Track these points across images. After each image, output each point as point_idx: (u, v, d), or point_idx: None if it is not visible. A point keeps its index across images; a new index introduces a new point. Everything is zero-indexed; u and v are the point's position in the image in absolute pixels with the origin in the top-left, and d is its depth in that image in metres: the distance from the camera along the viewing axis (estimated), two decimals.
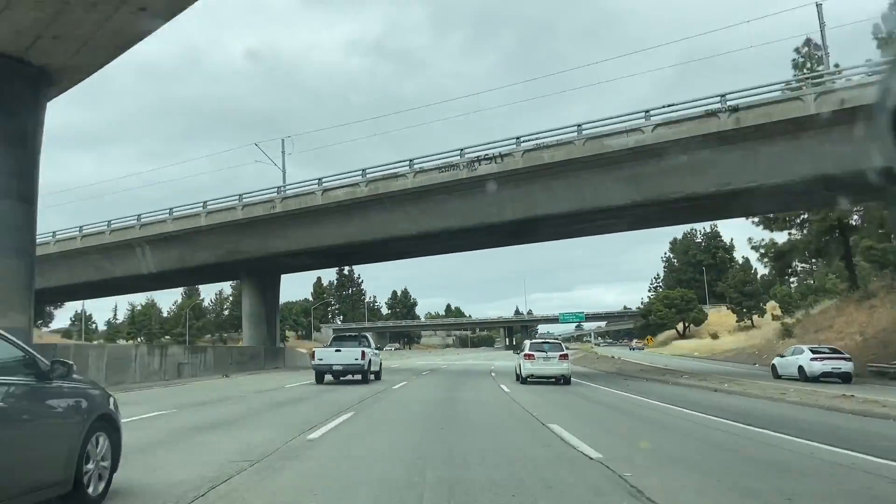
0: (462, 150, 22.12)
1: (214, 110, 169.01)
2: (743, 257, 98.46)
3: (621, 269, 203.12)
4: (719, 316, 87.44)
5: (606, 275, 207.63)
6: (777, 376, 22.52)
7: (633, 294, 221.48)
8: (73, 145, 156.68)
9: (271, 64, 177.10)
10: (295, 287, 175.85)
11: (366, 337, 20.57)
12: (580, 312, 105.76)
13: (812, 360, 21.80)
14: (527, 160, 20.86)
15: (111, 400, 3.94)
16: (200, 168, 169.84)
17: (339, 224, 24.54)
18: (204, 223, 27.43)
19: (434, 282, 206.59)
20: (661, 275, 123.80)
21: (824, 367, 21.24)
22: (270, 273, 30.74)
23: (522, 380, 19.02)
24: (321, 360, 18.48)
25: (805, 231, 32.13)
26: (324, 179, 25.07)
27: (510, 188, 21.15)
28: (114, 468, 3.87)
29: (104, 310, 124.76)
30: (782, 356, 23.44)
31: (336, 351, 18.62)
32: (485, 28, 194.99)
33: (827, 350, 22.32)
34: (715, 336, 70.02)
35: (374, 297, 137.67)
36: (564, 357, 19.36)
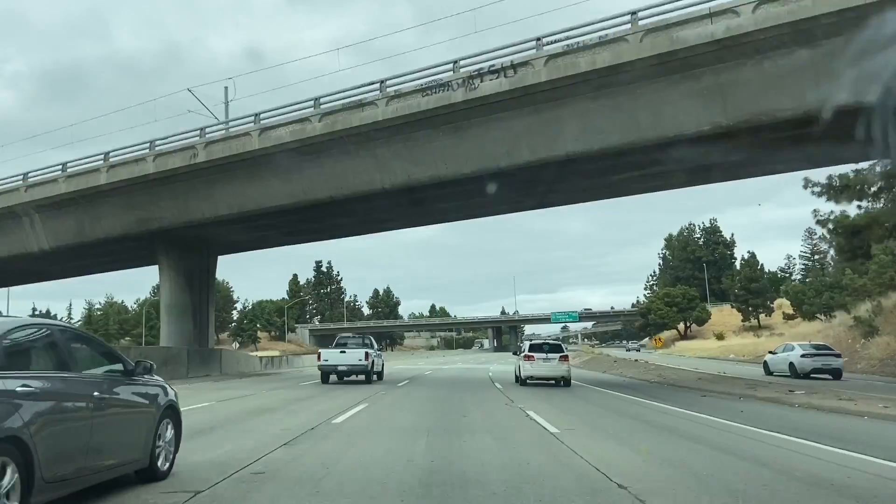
0: (455, 61, 16.37)
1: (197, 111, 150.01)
2: (748, 252, 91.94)
3: (606, 271, 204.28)
4: (721, 315, 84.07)
5: (591, 276, 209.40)
6: (769, 373, 23.16)
7: (619, 296, 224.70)
8: (49, 142, 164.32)
9: (256, 62, 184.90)
10: (270, 285, 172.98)
11: (369, 338, 21.33)
12: (573, 312, 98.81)
13: (802, 356, 22.34)
14: (552, 70, 14.93)
15: (174, 392, 4.93)
16: None
17: (285, 177, 19.09)
18: (105, 181, 21.82)
19: (418, 283, 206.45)
20: (657, 272, 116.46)
21: (814, 364, 21.81)
22: (199, 251, 24.75)
23: (521, 381, 18.57)
24: (326, 360, 19.18)
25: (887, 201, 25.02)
26: (263, 115, 19.40)
27: (528, 115, 15.50)
28: (176, 449, 4.86)
29: (59, 310, 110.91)
30: (773, 353, 24.24)
31: (341, 352, 19.27)
32: (471, 28, 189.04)
33: (817, 347, 23.01)
34: (721, 336, 67.93)
35: (355, 296, 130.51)
36: (565, 358, 18.85)
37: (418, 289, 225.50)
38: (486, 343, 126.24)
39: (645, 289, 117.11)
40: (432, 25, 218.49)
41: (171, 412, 4.95)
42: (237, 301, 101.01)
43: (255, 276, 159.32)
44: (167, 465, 4.82)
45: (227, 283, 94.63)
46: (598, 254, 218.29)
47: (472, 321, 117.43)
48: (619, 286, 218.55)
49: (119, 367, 4.50)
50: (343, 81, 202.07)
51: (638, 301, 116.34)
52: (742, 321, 76.91)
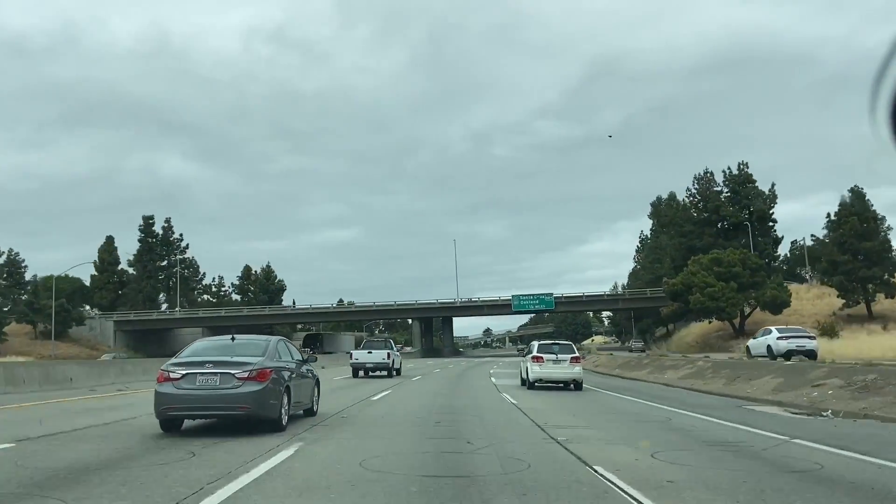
0: None
1: (94, 96, 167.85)
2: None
3: (521, 277, 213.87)
4: (798, 297, 56.21)
5: (507, 282, 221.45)
6: (751, 357, 26.58)
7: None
8: None
9: (160, 47, 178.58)
10: (64, 249, 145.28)
11: (390, 342, 30.55)
12: (546, 295, 51.53)
13: (778, 339, 25.58)
14: None
15: (310, 370, 12.28)
16: (77, 159, 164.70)
17: None
18: None
19: (336, 287, 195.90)
20: (640, 247, 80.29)
21: (789, 346, 25.04)
22: None
23: (529, 384, 19.77)
24: (357, 359, 28.11)
25: None
26: None
27: None
28: (318, 402, 12.51)
29: None
30: (755, 338, 28.24)
31: (368, 353, 28.01)
32: (393, 22, 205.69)
33: (793, 330, 27.22)
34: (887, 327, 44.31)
35: (220, 277, 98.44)
36: (576, 360, 19.67)
37: (335, 292, 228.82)
38: (415, 344, 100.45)
39: (636, 266, 79.65)
40: (354, 16, 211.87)
41: (317, 382, 12.29)
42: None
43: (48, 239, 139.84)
44: (317, 408, 12.03)
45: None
46: (516, 259, 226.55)
47: (387, 307, 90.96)
48: (536, 290, 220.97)
49: (300, 358, 11.55)
50: (257, 71, 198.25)
51: (615, 288, 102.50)
52: (843, 307, 51.62)
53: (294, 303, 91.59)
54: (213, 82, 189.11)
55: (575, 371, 19.33)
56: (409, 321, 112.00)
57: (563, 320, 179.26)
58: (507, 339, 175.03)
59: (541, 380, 19.38)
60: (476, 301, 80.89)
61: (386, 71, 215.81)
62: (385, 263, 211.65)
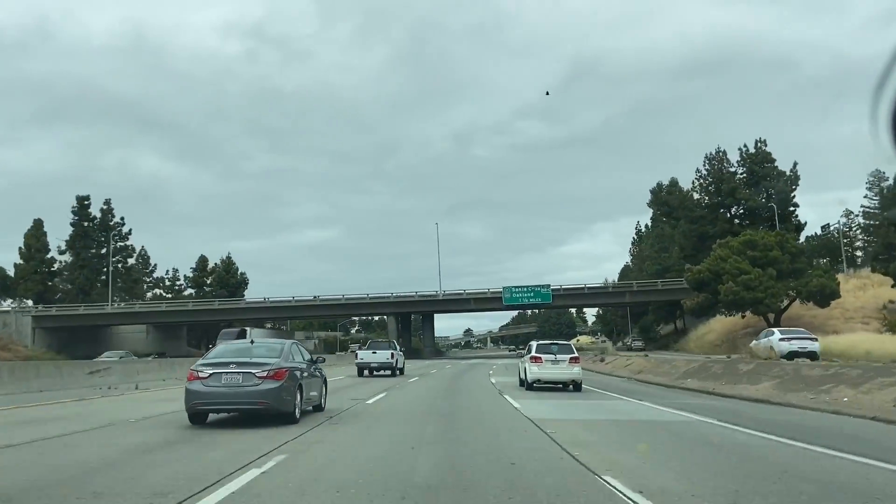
0: None
1: (69, 92, 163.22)
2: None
3: (504, 278, 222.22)
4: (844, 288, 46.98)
5: (489, 283, 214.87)
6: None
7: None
8: None
9: (136, 42, 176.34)
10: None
11: (394, 343, 32.42)
12: (542, 286, 38.89)
13: (781, 340, 26.71)
14: None
15: (319, 369, 13.81)
16: (50, 156, 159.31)
17: None
18: None
19: (318, 287, 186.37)
20: (642, 233, 73.79)
21: (791, 347, 26.17)
22: None
23: (528, 385, 19.91)
24: (363, 359, 29.94)
25: None
26: None
27: None
28: (325, 399, 14.11)
29: None
30: (758, 340, 29.39)
31: (373, 353, 29.82)
32: (374, 20, 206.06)
33: (794, 331, 28.28)
34: None
35: (175, 270, 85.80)
36: (576, 360, 19.68)
37: (315, 293, 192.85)
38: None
39: (630, 261, 74.22)
40: (334, 13, 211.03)
41: (325, 381, 13.67)
42: None
43: None
44: (325, 405, 13.32)
45: None
46: (500, 259, 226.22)
47: (357, 300, 53.39)
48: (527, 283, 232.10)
49: (310, 358, 12.72)
50: (236, 68, 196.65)
51: (606, 282, 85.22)
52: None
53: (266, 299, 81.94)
54: (190, 79, 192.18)
55: (574, 371, 19.39)
56: (385, 318, 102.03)
57: (546, 319, 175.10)
58: (488, 339, 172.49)
59: (539, 380, 19.51)
60: (461, 294, 71.43)
61: (367, 69, 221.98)
62: (366, 264, 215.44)
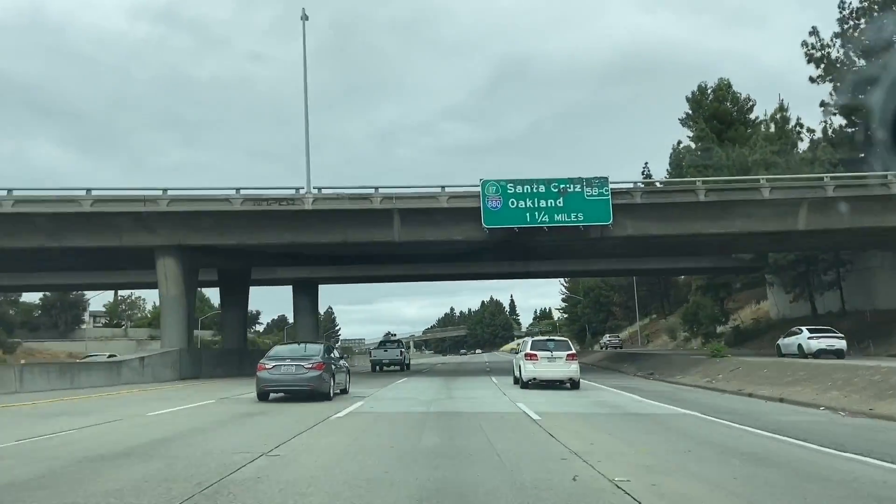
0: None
1: None
2: None
3: (426, 284, 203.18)
4: None
5: (408, 288, 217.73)
6: (781, 355, 28.57)
7: (435, 308, 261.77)
8: None
9: (33, 19, 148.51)
10: None
11: (401, 342, 44.92)
12: (600, 179, 38.43)
13: (809, 338, 27.29)
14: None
15: (344, 364, 20.85)
16: None
17: None
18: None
19: None
20: None
21: (819, 345, 26.70)
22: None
23: (523, 384, 20.32)
24: (376, 357, 37.99)
25: None
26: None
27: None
28: (349, 385, 20.27)
29: None
30: (785, 338, 30.03)
31: (385, 351, 37.62)
32: (296, 7, 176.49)
33: (822, 330, 28.57)
34: None
35: None
36: (572, 357, 19.92)
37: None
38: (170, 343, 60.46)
39: None
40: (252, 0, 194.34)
41: (349, 372, 19.89)
42: None
43: None
44: (349, 389, 19.01)
45: None
46: None
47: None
48: (438, 298, 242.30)
49: (336, 354, 18.63)
50: (145, 53, 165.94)
51: None
52: None
53: None
54: (94, 63, 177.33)
55: (571, 369, 19.56)
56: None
57: (478, 321, 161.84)
58: (411, 343, 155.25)
59: (535, 378, 19.78)
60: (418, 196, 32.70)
61: (287, 61, 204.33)
62: None
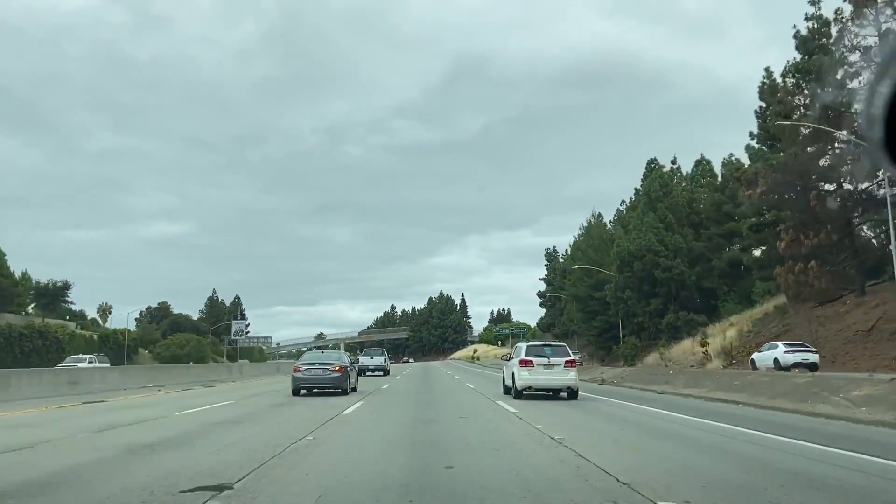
0: None
1: None
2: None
3: (370, 286, 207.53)
4: None
5: (352, 291, 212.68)
6: (755, 369, 29.66)
7: (377, 311, 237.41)
8: None
9: None
10: None
11: (383, 350, 45.95)
12: None
13: (785, 352, 28.49)
14: None
15: (356, 366, 28.87)
16: None
17: None
18: None
19: (147, 288, 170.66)
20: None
21: (795, 358, 27.80)
22: None
23: (517, 393, 18.22)
24: (362, 363, 38.42)
25: None
26: None
27: None
28: (357, 384, 25.20)
29: None
30: (760, 352, 31.18)
31: (370, 358, 40.75)
32: None
33: (796, 344, 29.76)
34: None
35: None
36: (571, 364, 18.22)
37: (159, 293, 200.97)
38: None
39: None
40: None
41: (357, 373, 25.48)
42: None
43: None
44: (357, 387, 23.24)
45: None
46: (366, 267, 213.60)
47: None
48: (383, 301, 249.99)
49: (347, 358, 24.67)
50: (77, 27, 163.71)
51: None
52: None
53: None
54: (20, 35, 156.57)
55: (569, 377, 17.99)
56: None
57: (425, 321, 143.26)
58: (342, 346, 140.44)
59: (530, 387, 18.07)
60: None
61: (232, 45, 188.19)
62: (219, 264, 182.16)
